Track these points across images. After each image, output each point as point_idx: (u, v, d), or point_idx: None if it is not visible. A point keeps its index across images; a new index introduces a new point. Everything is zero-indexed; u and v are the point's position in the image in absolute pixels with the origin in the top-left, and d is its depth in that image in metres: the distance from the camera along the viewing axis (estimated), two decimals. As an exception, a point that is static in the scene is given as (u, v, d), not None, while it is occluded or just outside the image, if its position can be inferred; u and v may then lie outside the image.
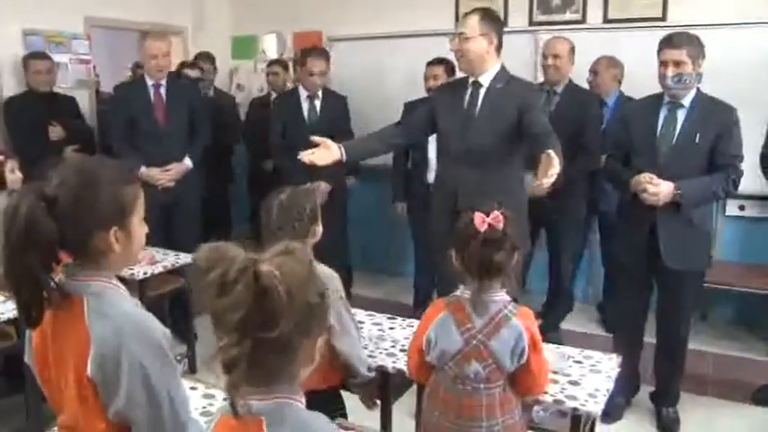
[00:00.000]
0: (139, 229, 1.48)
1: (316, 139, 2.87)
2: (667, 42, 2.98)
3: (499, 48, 2.98)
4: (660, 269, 3.10)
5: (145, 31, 4.74)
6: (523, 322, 1.91)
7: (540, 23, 4.90)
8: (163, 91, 4.20)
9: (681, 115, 3.03)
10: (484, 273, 1.89)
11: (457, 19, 5.17)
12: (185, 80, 4.57)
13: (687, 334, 3.26)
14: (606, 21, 4.70)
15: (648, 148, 3.07)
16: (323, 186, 4.27)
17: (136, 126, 4.15)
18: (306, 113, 4.45)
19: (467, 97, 3.02)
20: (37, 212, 1.30)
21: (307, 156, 2.78)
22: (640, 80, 4.11)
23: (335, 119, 4.46)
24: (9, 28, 4.64)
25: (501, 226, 1.85)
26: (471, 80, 3.01)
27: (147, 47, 4.10)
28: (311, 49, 4.56)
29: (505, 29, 4.83)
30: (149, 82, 4.18)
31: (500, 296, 1.92)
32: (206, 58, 5.46)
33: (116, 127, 4.24)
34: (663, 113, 3.06)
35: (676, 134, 3.02)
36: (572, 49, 4.07)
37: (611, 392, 2.79)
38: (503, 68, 3.01)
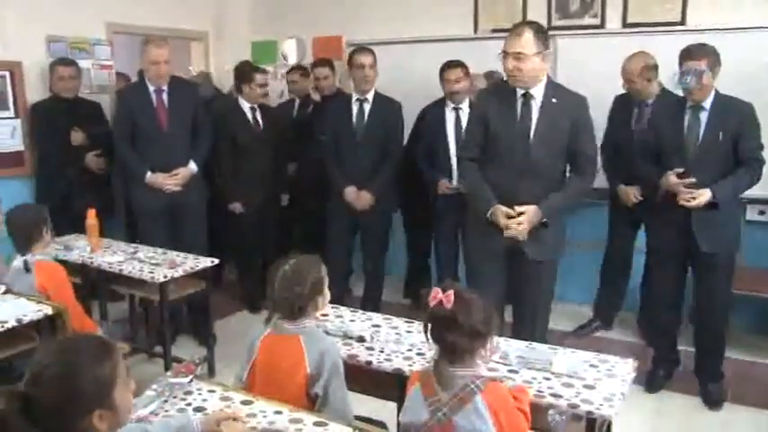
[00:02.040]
0: (124, 397, 1.43)
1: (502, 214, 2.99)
2: (688, 54, 3.27)
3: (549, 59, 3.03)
4: (695, 254, 3.41)
5: (159, 36, 4.78)
6: (489, 400, 1.80)
7: (559, 28, 4.88)
8: (165, 96, 4.18)
9: (703, 117, 3.33)
10: (441, 349, 1.87)
11: (476, 24, 5.20)
12: (186, 83, 4.53)
13: (724, 313, 3.58)
14: (625, 25, 4.69)
15: (677, 149, 3.37)
16: (364, 195, 4.29)
17: (139, 131, 4.16)
18: (354, 117, 4.36)
19: (519, 108, 3.02)
20: (12, 419, 1.25)
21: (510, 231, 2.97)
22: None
23: (385, 125, 4.36)
24: (33, 34, 4.73)
25: (449, 306, 1.82)
26: (521, 92, 3.00)
27: (149, 53, 4.07)
28: (357, 47, 4.50)
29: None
30: (151, 87, 4.17)
31: (467, 371, 1.84)
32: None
33: (119, 132, 4.24)
34: (687, 116, 3.36)
35: (701, 134, 3.33)
36: (644, 68, 3.97)
37: (652, 367, 3.69)
38: (549, 78, 3.05)
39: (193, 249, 3.95)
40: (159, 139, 4.17)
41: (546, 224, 2.99)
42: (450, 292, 1.83)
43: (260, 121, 4.93)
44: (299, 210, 5.30)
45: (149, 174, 4.14)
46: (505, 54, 2.94)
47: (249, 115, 4.88)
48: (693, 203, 3.23)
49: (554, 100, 2.98)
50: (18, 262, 3.14)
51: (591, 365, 2.25)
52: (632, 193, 4.15)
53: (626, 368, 2.23)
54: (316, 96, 5.32)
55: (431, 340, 1.89)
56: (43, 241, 3.18)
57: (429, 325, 1.88)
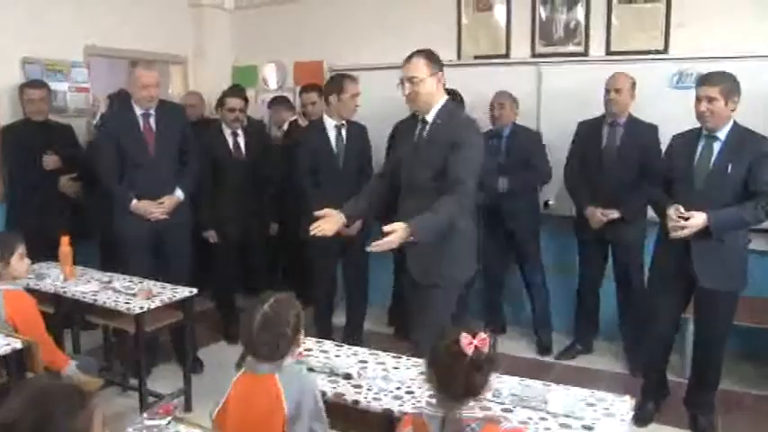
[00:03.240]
0: None
1: (317, 213, 3.05)
2: (702, 80, 3.25)
3: (443, 84, 3.11)
4: (695, 287, 3.34)
5: (146, 60, 4.68)
6: None
7: (543, 55, 4.89)
8: (152, 120, 4.06)
9: (716, 147, 3.27)
10: (464, 394, 1.77)
11: (459, 50, 5.19)
12: (173, 106, 4.43)
13: (721, 348, 3.43)
14: (609, 53, 4.69)
15: (686, 177, 3.33)
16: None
17: (125, 156, 4.02)
18: (333, 143, 4.35)
19: (417, 133, 3.12)
20: None
21: (315, 229, 2.96)
22: (642, 111, 4.18)
23: (359, 148, 4.42)
24: (8, 56, 4.61)
25: (487, 349, 1.76)
26: (420, 117, 3.11)
27: (139, 76, 3.96)
28: (345, 75, 4.44)
29: (508, 60, 4.97)
30: (138, 111, 4.04)
31: (468, 413, 1.78)
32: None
33: (104, 159, 4.07)
34: (700, 145, 3.32)
35: (711, 164, 3.27)
36: (633, 84, 4.14)
37: (641, 399, 3.48)
38: (447, 103, 3.09)
39: (177, 278, 3.83)
40: (146, 164, 4.03)
41: (414, 242, 2.85)
42: (484, 337, 1.76)
43: (241, 147, 4.81)
44: (285, 239, 5.19)
45: (135, 201, 4.00)
46: (402, 81, 3.05)
47: (230, 140, 4.77)
48: (684, 233, 3.16)
49: (439, 121, 3.04)
50: None
51: (587, 404, 2.17)
52: (600, 213, 4.16)
53: (624, 407, 2.16)
54: (303, 122, 5.24)
55: (446, 388, 1.79)
56: (10, 270, 3.03)
57: (462, 372, 1.75)
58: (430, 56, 3.06)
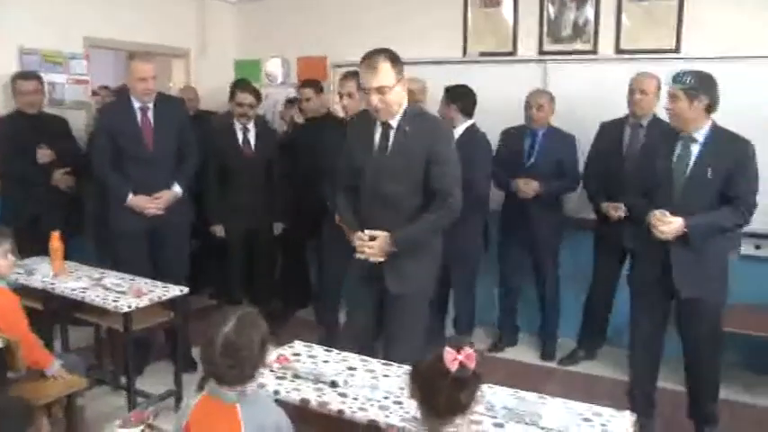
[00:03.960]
0: None
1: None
2: (672, 77, 3.09)
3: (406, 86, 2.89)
4: (676, 296, 3.17)
5: (144, 52, 4.60)
6: None
7: (550, 53, 4.78)
8: (150, 114, 3.96)
9: (695, 150, 3.09)
10: (448, 412, 1.67)
11: (464, 48, 5.07)
12: (172, 100, 4.35)
13: (714, 358, 3.28)
14: (618, 51, 4.58)
15: (665, 182, 3.13)
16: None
17: (122, 151, 3.92)
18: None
19: (377, 137, 2.89)
20: None
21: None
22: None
23: None
24: (5, 46, 4.53)
25: (473, 365, 1.66)
26: (380, 121, 2.87)
27: (135, 69, 3.86)
28: (346, 73, 4.23)
29: (514, 57, 4.86)
30: (136, 104, 3.94)
31: (453, 428, 1.69)
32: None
33: (100, 152, 3.98)
34: (678, 148, 3.12)
35: (689, 169, 3.08)
36: (659, 86, 3.97)
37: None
38: (410, 106, 2.89)
39: (173, 275, 3.77)
40: (143, 159, 3.93)
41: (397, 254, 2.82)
42: (470, 352, 1.65)
43: (251, 142, 4.70)
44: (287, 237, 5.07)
45: (131, 196, 3.91)
46: (366, 91, 2.79)
47: (239, 135, 4.67)
48: (662, 237, 3.00)
49: (407, 128, 2.82)
50: None
51: (584, 419, 2.06)
52: (615, 208, 4.04)
53: (623, 423, 2.04)
54: (299, 118, 5.13)
55: (430, 405, 1.69)
56: None
57: (445, 389, 1.65)
58: (394, 57, 2.78)
